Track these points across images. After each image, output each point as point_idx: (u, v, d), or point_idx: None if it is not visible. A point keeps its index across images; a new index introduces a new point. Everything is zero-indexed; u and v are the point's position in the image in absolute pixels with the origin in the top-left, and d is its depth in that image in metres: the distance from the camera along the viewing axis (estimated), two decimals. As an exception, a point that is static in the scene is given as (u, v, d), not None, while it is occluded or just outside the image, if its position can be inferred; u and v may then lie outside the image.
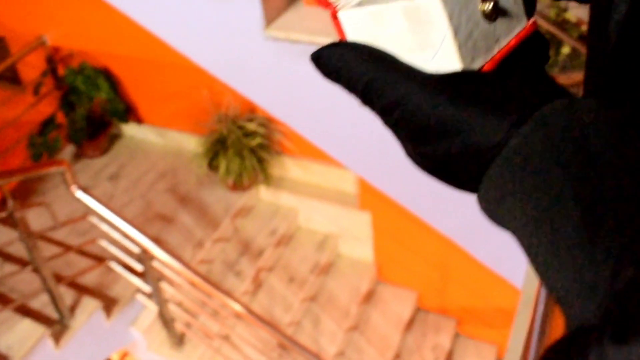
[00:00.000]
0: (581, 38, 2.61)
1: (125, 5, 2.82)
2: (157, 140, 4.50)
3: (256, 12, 2.59)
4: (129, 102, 4.37)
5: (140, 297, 3.25)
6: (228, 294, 2.95)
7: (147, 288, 3.09)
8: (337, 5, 0.34)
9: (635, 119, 0.25)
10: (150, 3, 2.81)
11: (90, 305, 3.12)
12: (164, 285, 3.06)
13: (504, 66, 0.31)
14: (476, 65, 0.31)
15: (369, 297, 4.07)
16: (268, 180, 4.09)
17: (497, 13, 0.31)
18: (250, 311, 2.91)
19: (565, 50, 2.73)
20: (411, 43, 0.31)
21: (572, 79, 2.62)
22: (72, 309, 3.07)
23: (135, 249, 2.88)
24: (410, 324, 4.04)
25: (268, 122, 3.93)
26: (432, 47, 0.30)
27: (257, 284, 3.86)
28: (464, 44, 0.30)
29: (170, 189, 4.10)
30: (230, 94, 3.56)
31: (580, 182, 0.24)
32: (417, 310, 4.15)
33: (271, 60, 2.68)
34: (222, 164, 3.89)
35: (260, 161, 3.96)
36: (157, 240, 2.87)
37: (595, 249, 0.22)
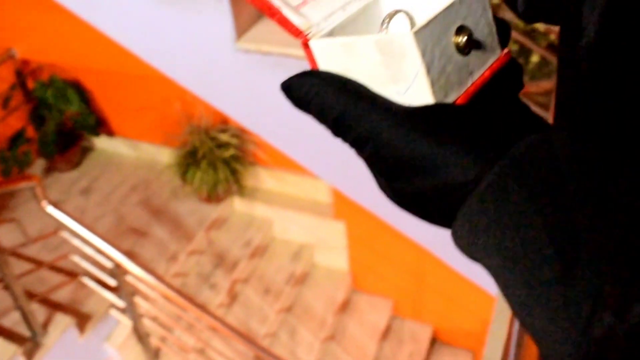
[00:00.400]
0: (550, 47, 2.65)
1: (95, 18, 2.80)
2: (129, 153, 4.46)
3: (227, 24, 2.59)
4: (100, 115, 4.34)
5: (114, 313, 3.21)
6: (203, 307, 2.93)
7: (121, 303, 3.06)
8: (308, 34, 0.33)
9: (608, 151, 0.24)
10: (120, 16, 2.80)
11: (63, 322, 3.07)
12: (138, 300, 3.03)
13: (477, 97, 0.31)
14: (449, 99, 0.30)
15: (344, 306, 4.07)
16: (242, 191, 4.08)
17: (471, 46, 0.31)
18: (225, 324, 2.89)
19: (535, 59, 2.77)
20: (384, 76, 0.31)
21: (541, 87, 2.65)
22: (45, 326, 3.03)
23: (109, 264, 2.85)
24: (386, 333, 4.04)
25: (241, 133, 3.92)
26: (405, 81, 0.30)
27: (233, 296, 3.84)
28: (437, 80, 0.30)
29: (143, 202, 4.06)
30: (202, 105, 3.55)
31: (554, 222, 0.24)
32: (393, 318, 4.16)
33: (243, 72, 2.68)
34: (195, 176, 3.87)
35: (234, 172, 3.95)
36: (130, 254, 2.84)
37: (571, 290, 0.22)
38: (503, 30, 0.34)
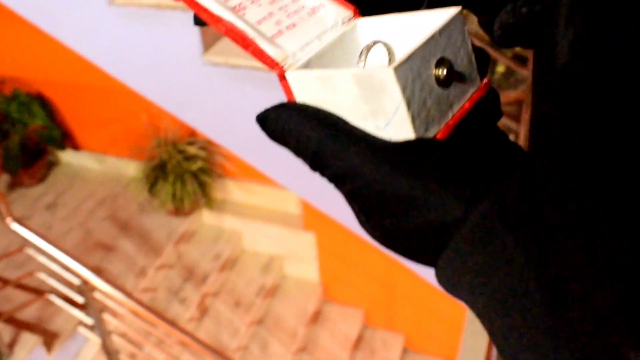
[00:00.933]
0: (515, 57, 2.68)
1: (59, 31, 2.76)
2: (96, 167, 4.41)
3: (194, 37, 2.58)
4: (65, 129, 4.28)
5: (82, 330, 3.16)
6: (173, 322, 2.89)
7: (89, 320, 3.01)
8: (284, 65, 0.32)
9: (591, 185, 0.24)
10: (84, 30, 2.76)
11: (29, 341, 3.01)
12: (106, 317, 2.98)
13: (457, 129, 0.30)
14: (430, 133, 0.30)
15: (316, 317, 4.06)
16: (210, 204, 4.05)
17: (451, 78, 0.30)
18: (196, 339, 2.86)
19: (500, 69, 2.80)
20: (362, 110, 0.30)
21: (507, 97, 2.68)
22: (11, 345, 2.96)
23: (76, 281, 2.80)
24: (358, 342, 4.04)
25: (209, 145, 3.90)
26: (385, 116, 0.29)
27: (203, 310, 3.80)
28: (418, 115, 0.29)
29: (110, 216, 4.01)
30: (169, 117, 3.52)
31: (541, 263, 0.23)
32: (365, 328, 4.16)
33: (210, 86, 2.66)
34: (163, 189, 3.84)
35: (202, 185, 3.92)
36: (98, 270, 2.81)
37: (559, 337, 0.22)
38: (482, 59, 0.33)
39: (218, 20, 0.33)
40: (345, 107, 0.30)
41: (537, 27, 0.32)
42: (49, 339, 3.10)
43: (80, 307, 3.00)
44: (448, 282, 0.27)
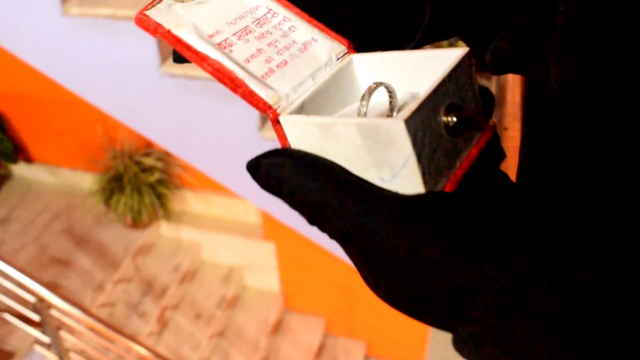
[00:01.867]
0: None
1: (10, 43, 2.70)
2: (50, 180, 4.31)
3: (151, 48, 2.55)
4: (17, 141, 4.18)
5: (38, 349, 3.08)
6: (132, 337, 2.85)
7: (45, 338, 2.94)
8: (277, 108, 0.30)
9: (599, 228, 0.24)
10: (37, 41, 2.71)
11: (-17, 361, 2.93)
12: (63, 334, 2.92)
13: (465, 180, 0.29)
14: (439, 186, 0.27)
15: (277, 327, 4.04)
16: (168, 215, 4.00)
17: (461, 125, 0.28)
18: (156, 353, 2.82)
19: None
20: (365, 161, 0.27)
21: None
22: (-37, 366, 2.88)
23: (31, 298, 2.74)
24: (320, 351, 4.03)
25: (166, 156, 3.86)
26: (391, 169, 0.27)
27: (163, 324, 3.75)
28: (427, 167, 0.26)
29: (66, 230, 3.93)
30: (126, 129, 3.47)
31: (568, 341, 0.22)
32: (326, 336, 4.15)
33: (168, 97, 2.63)
34: (120, 202, 3.78)
35: (160, 196, 3.87)
36: (53, 287, 2.75)
37: None
38: (487, 100, 0.31)
39: (203, 58, 0.31)
40: (345, 157, 0.28)
41: (529, 54, 0.32)
42: (4, 358, 3.02)
43: (36, 325, 2.93)
44: (467, 350, 0.26)
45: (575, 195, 0.25)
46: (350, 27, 0.35)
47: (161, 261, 3.96)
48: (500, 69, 0.34)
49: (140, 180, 3.78)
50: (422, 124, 0.26)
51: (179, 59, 0.33)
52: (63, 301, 2.69)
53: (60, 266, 3.69)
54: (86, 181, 4.10)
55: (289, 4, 0.35)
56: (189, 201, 4.09)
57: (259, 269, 4.05)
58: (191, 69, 2.52)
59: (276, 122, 0.30)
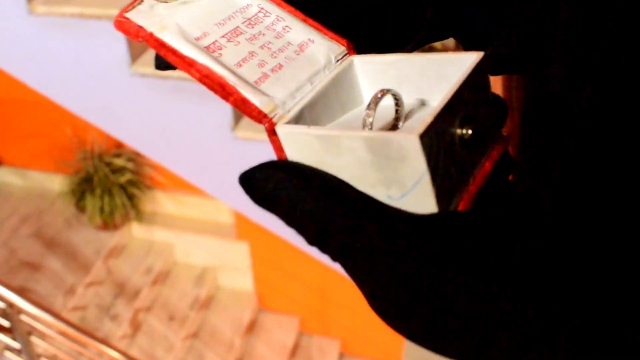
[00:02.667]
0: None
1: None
2: (18, 182, 4.24)
3: (121, 47, 2.51)
4: (-17, 143, 4.11)
5: (8, 355, 3.02)
6: (104, 341, 2.82)
7: (16, 344, 2.89)
8: (273, 117, 0.27)
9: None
10: (3, 42, 2.66)
11: (-49, 368, 2.87)
12: (34, 340, 2.87)
13: (478, 196, 0.26)
14: (453, 204, 0.25)
15: (251, 327, 4.03)
16: (140, 216, 3.96)
17: (477, 138, 0.25)
18: (129, 357, 2.79)
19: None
20: (372, 178, 0.25)
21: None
22: None
23: (0, 304, 2.69)
24: (294, 350, 4.03)
25: (137, 157, 3.82)
26: (401, 186, 0.24)
27: (136, 326, 3.71)
28: (441, 185, 0.24)
29: (35, 233, 3.87)
30: (95, 129, 3.43)
31: None
32: (301, 335, 4.15)
33: (139, 97, 2.60)
34: (90, 204, 3.73)
35: (131, 198, 3.83)
36: (23, 291, 2.70)
37: None
38: (500, 108, 0.29)
39: (190, 64, 0.28)
40: (350, 172, 0.25)
41: (529, 55, 0.31)
42: (-27, 365, 2.97)
43: (6, 330, 2.88)
44: None
45: (580, 198, 0.24)
46: (347, 26, 0.32)
47: (133, 263, 3.93)
48: (499, 70, 0.33)
49: (110, 181, 3.74)
50: (436, 138, 0.24)
51: (162, 64, 0.30)
52: (33, 306, 2.65)
53: (30, 270, 3.63)
54: (55, 183, 4.04)
55: (282, 2, 0.32)
56: (160, 202, 4.06)
57: (233, 269, 4.03)
58: (162, 69, 2.49)
59: (272, 133, 0.27)
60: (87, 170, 3.75)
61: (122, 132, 2.78)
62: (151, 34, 0.29)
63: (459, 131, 0.25)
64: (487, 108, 0.27)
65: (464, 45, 0.36)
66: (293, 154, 0.27)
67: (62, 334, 2.80)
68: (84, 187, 3.75)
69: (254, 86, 0.28)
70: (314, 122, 0.29)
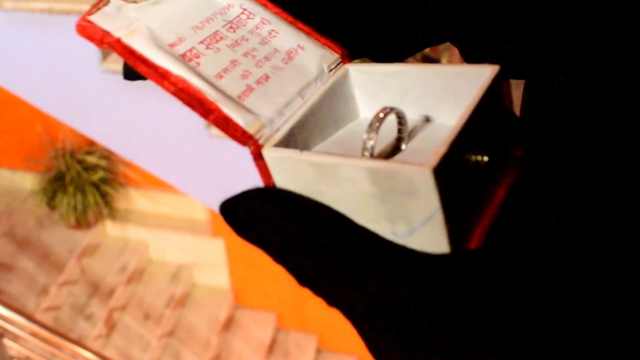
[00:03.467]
0: (425, 58, 2.72)
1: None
2: (-13, 181, 4.17)
3: (92, 44, 2.47)
4: (-49, 142, 4.03)
5: (-20, 357, 2.98)
6: (78, 342, 2.78)
7: (-13, 347, 2.85)
8: (259, 138, 0.24)
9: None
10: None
11: None
12: (7, 342, 2.83)
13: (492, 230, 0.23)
14: (464, 241, 0.22)
15: (228, 324, 4.01)
16: (114, 214, 3.92)
17: (494, 164, 0.23)
18: (103, 358, 2.76)
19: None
20: (375, 212, 0.22)
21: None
22: None
23: (-29, 306, 2.64)
24: (272, 346, 4.02)
25: (109, 154, 3.77)
26: (408, 223, 0.21)
27: (111, 326, 3.67)
28: (455, 221, 0.21)
29: (6, 233, 3.81)
30: (66, 127, 3.38)
31: None
32: (278, 331, 4.14)
33: (110, 95, 2.56)
34: (63, 202, 3.68)
35: (104, 195, 3.79)
36: (-5, 293, 2.66)
37: None
38: (513, 127, 0.26)
39: (164, 75, 0.24)
40: (349, 205, 0.22)
41: (530, 61, 0.29)
42: (-56, 369, 2.91)
43: (-22, 333, 2.83)
44: None
45: (588, 204, 0.21)
46: (340, 30, 0.29)
47: (107, 262, 3.88)
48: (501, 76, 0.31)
49: (83, 179, 3.69)
50: (451, 170, 0.21)
51: (131, 75, 0.27)
52: (5, 308, 2.61)
53: (2, 271, 3.58)
54: (27, 182, 3.98)
55: (267, 2, 0.28)
56: (134, 199, 4.01)
57: (208, 266, 4.01)
58: (134, 65, 2.46)
59: (258, 157, 0.24)
60: (59, 168, 3.69)
61: (94, 130, 2.75)
62: (118, 40, 0.25)
63: (474, 158, 0.22)
64: (500, 126, 0.24)
65: (462, 48, 0.34)
66: (282, 181, 0.24)
67: (35, 335, 2.76)
68: (56, 185, 3.70)
69: (237, 102, 0.24)
70: (305, 141, 0.26)
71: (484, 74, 0.24)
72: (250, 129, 0.24)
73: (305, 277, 0.22)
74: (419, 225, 0.21)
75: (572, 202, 0.22)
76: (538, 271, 0.20)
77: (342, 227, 0.22)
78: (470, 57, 0.31)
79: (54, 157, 3.71)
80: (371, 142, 0.23)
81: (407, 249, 0.21)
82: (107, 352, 3.32)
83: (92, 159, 3.72)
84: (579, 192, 0.22)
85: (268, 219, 0.22)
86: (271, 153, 0.23)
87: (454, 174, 0.21)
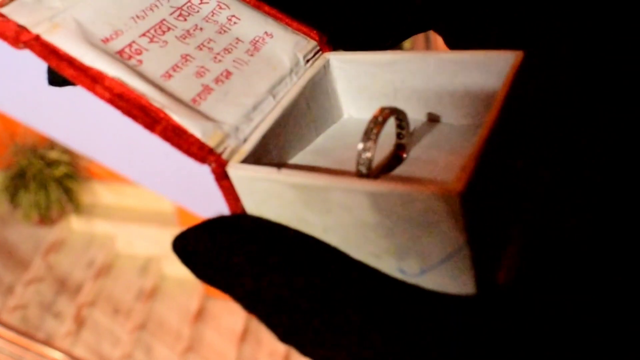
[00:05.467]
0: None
1: None
2: (-53, 180, 4.09)
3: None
4: None
5: (-55, 361, 2.94)
6: (46, 341, 2.76)
7: (-48, 350, 2.81)
8: (222, 152, 0.19)
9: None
10: None
11: None
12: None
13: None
14: (493, 278, 0.17)
15: (199, 315, 3.99)
16: (79, 209, 3.87)
17: (528, 170, 0.19)
18: (72, 357, 2.74)
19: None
20: (377, 245, 0.17)
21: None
22: None
23: None
24: (244, 335, 4.02)
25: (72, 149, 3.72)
26: (422, 260, 0.17)
27: (80, 322, 3.64)
28: (482, 256, 0.16)
29: (-32, 232, 3.75)
30: (26, 123, 3.33)
31: None
32: (249, 319, 4.14)
33: (69, 91, 2.51)
34: (25, 199, 3.62)
35: (68, 191, 3.74)
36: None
37: None
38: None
39: (96, 77, 0.20)
40: (342, 236, 0.17)
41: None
42: None
43: (-59, 337, 2.79)
44: None
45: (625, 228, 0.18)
46: (317, 12, 0.24)
47: (74, 257, 3.84)
48: None
49: (45, 175, 3.64)
50: (481, 191, 0.16)
51: (56, 79, 0.22)
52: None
53: (-35, 272, 3.53)
54: (-13, 179, 3.92)
55: None
56: (99, 193, 3.97)
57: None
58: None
59: (222, 177, 0.19)
60: (19, 164, 3.63)
61: (51, 127, 2.70)
62: (37, 37, 0.20)
63: (504, 173, 0.17)
64: (530, 126, 0.20)
65: (447, 38, 0.29)
66: (254, 206, 0.19)
67: (1, 338, 2.73)
68: (18, 182, 3.64)
69: (192, 107, 0.19)
70: (281, 153, 0.20)
71: (504, 60, 0.19)
72: (210, 141, 0.19)
73: (289, 334, 0.17)
74: (436, 263, 0.17)
75: (607, 222, 0.18)
76: (580, 304, 0.16)
77: (337, 267, 0.17)
78: (452, 46, 0.26)
79: (14, 153, 3.65)
80: (368, 154, 0.18)
81: (426, 292, 0.16)
82: (77, 349, 3.30)
83: (54, 154, 3.67)
84: (614, 212, 0.18)
85: (236, 259, 0.17)
86: (239, 172, 0.18)
87: (484, 197, 0.16)
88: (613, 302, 0.17)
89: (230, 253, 0.17)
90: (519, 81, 0.18)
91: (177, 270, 4.04)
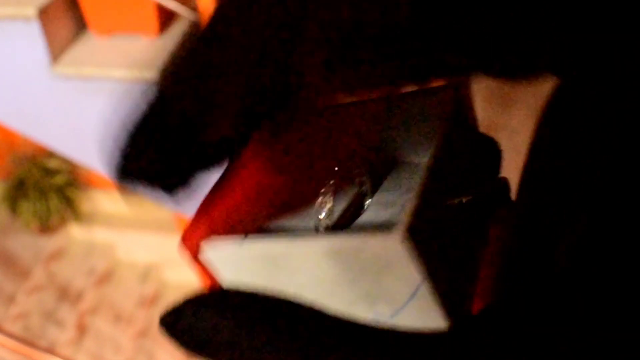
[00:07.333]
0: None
1: None
2: (-53, 191, 4.10)
3: (39, 48, 2.43)
4: None
5: (-53, 371, 2.94)
6: (49, 349, 2.76)
7: (-46, 360, 2.81)
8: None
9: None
10: None
11: None
12: (-26, 354, 2.80)
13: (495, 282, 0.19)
14: (465, 307, 0.18)
15: (201, 321, 4.00)
16: (79, 217, 3.88)
17: (477, 203, 0.19)
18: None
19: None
20: (349, 294, 0.18)
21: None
22: None
23: None
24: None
25: (71, 157, 3.73)
26: (391, 302, 0.17)
27: (82, 330, 3.64)
28: (447, 288, 0.17)
29: (-31, 242, 3.76)
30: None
31: None
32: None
33: (62, 100, 2.53)
34: (25, 208, 3.63)
35: (68, 199, 3.74)
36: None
37: None
38: (492, 153, 0.21)
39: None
40: (316, 290, 0.18)
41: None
42: None
43: (-57, 347, 2.79)
44: None
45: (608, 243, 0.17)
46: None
47: (75, 265, 3.85)
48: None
49: (45, 184, 3.64)
50: (428, 227, 0.16)
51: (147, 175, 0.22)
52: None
53: (-34, 281, 3.53)
54: (-13, 189, 3.92)
55: None
56: (99, 201, 3.97)
57: (177, 263, 3.98)
58: (85, 67, 2.42)
59: (196, 256, 0.20)
60: (19, 174, 3.64)
61: (47, 136, 2.71)
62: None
63: (455, 202, 0.17)
64: (479, 157, 0.19)
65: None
66: (232, 276, 0.20)
67: (4, 347, 2.73)
68: (18, 191, 3.65)
69: None
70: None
71: (442, 94, 0.19)
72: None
73: None
74: (404, 302, 0.17)
75: (590, 238, 0.18)
76: (563, 325, 0.16)
77: (314, 324, 0.17)
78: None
79: (13, 163, 3.66)
80: (326, 206, 0.18)
81: (399, 332, 0.17)
82: (79, 357, 3.30)
83: (53, 163, 3.68)
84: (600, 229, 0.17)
85: (221, 333, 0.18)
86: (213, 253, 0.19)
87: (434, 231, 0.16)
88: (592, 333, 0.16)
89: (215, 329, 0.18)
90: (459, 108, 0.18)
91: (178, 276, 4.04)
